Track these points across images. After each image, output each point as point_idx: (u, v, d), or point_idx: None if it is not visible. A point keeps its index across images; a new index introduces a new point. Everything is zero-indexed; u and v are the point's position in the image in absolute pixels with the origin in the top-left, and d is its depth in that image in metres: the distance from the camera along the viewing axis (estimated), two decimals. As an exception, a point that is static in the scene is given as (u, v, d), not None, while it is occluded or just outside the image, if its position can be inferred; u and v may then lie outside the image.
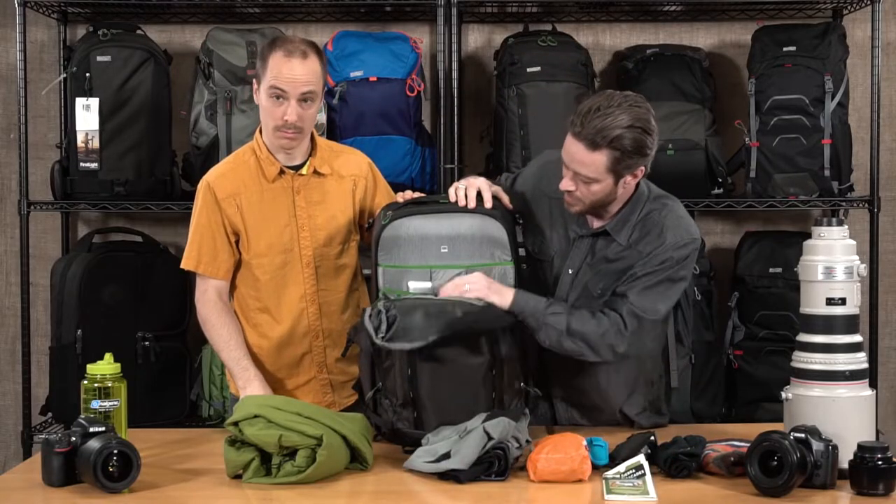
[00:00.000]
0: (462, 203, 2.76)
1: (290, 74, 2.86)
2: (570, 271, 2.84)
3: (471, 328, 2.60)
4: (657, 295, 2.75)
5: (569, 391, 2.90)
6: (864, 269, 2.49)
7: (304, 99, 2.87)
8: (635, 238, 2.77)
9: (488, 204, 2.76)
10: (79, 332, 3.93)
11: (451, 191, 2.80)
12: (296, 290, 3.00)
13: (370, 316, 2.64)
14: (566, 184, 2.72)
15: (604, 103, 2.63)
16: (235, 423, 2.42)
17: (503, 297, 2.70)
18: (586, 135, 2.62)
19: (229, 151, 3.79)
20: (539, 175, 2.94)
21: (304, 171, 2.98)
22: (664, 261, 2.74)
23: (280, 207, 2.97)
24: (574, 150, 2.66)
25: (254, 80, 2.97)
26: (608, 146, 2.62)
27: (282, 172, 2.97)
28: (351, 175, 3.04)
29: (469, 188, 2.78)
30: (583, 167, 2.66)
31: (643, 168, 2.71)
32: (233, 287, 3.05)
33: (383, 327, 2.59)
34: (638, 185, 2.78)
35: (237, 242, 3.00)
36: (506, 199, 2.85)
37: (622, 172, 2.67)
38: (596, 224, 2.82)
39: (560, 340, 2.72)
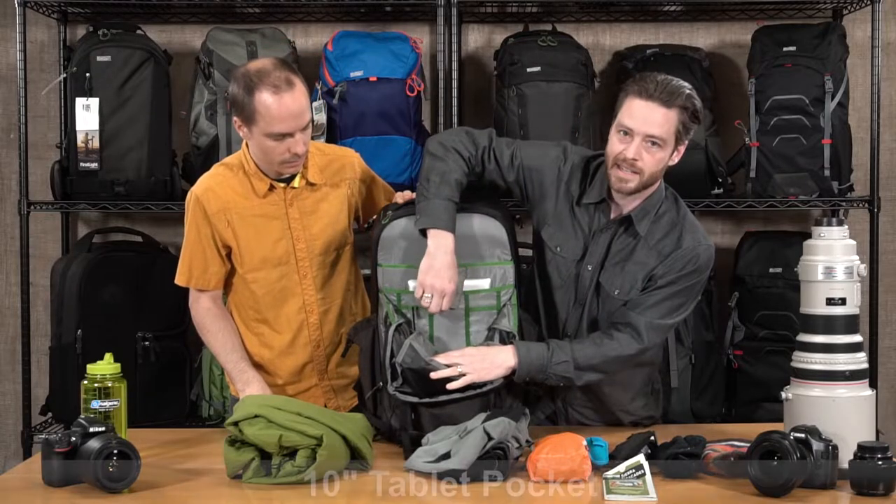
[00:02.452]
0: (428, 308, 2.68)
1: (287, 113, 2.75)
2: (590, 267, 2.84)
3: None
4: (680, 302, 2.79)
5: (572, 391, 2.89)
6: (864, 269, 2.49)
7: (305, 128, 2.82)
8: (654, 235, 2.79)
9: (445, 307, 2.68)
10: (79, 332, 3.93)
11: (418, 292, 2.68)
12: (295, 302, 2.98)
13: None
14: (634, 151, 2.70)
15: (660, 75, 2.75)
16: (235, 423, 2.42)
17: (502, 369, 2.69)
18: (660, 94, 2.69)
19: (229, 151, 3.79)
20: (569, 174, 2.87)
21: (295, 184, 2.93)
22: (685, 265, 2.76)
23: (273, 222, 2.93)
24: (647, 112, 2.69)
25: (235, 118, 2.84)
26: (682, 103, 2.70)
27: (272, 188, 2.92)
28: (345, 180, 3.01)
29: (435, 297, 2.67)
30: (657, 127, 2.69)
31: (685, 144, 2.77)
32: (233, 295, 3.04)
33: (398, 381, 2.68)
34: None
35: (229, 255, 2.97)
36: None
37: (682, 138, 2.74)
38: (626, 209, 2.81)
39: (572, 381, 2.76)
